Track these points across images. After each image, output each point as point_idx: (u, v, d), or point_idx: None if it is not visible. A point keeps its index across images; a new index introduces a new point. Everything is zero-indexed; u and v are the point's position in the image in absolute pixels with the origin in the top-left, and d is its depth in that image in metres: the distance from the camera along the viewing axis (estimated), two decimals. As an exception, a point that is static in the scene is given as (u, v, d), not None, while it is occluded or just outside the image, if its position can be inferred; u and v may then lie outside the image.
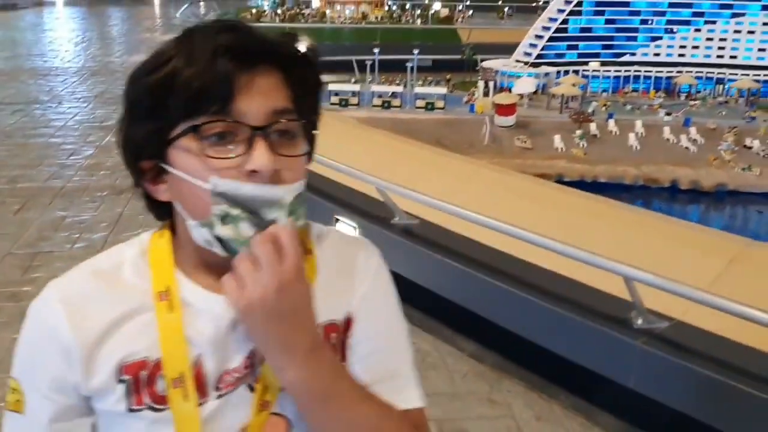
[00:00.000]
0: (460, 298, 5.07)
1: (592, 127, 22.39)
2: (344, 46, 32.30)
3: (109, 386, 1.01)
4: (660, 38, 29.45)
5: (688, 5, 29.32)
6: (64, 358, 1.01)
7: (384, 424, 1.06)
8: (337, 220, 5.92)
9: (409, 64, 24.00)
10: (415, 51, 24.78)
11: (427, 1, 43.83)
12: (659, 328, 4.08)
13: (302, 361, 0.98)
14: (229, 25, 0.99)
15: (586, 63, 28.13)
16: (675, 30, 29.41)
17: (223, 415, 1.02)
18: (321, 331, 1.08)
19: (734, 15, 29.35)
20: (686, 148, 21.80)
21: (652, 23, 29.39)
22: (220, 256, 1.00)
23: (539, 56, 27.66)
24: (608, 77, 28.46)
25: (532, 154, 20.89)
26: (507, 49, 28.31)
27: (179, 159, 0.98)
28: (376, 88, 23.57)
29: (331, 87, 22.89)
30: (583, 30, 28.72)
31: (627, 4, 29.27)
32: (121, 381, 1.01)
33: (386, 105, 22.73)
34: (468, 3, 44.60)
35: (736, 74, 28.38)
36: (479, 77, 26.33)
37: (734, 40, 29.47)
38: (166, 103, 0.96)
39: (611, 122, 22.81)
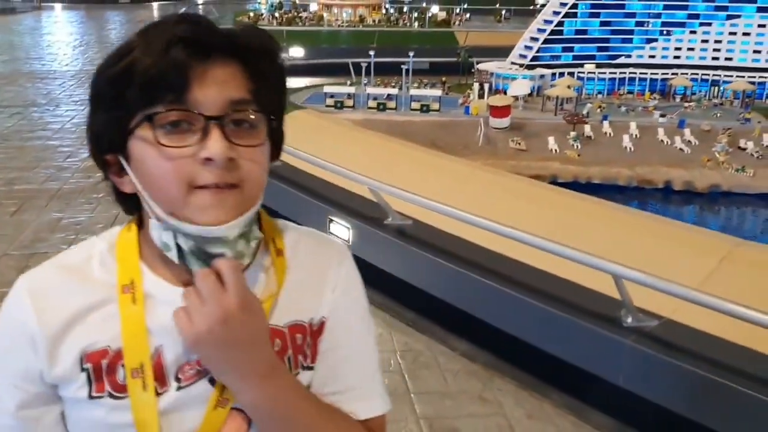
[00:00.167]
0: (452, 298, 5.10)
1: (587, 128, 22.44)
2: (342, 49, 32.32)
3: (72, 374, 1.05)
4: (655, 40, 29.52)
5: (684, 7, 29.40)
6: (30, 347, 1.05)
7: None
8: (331, 220, 5.96)
9: (404, 67, 24.00)
10: (411, 53, 24.78)
11: (424, 4, 43.83)
12: (649, 327, 4.12)
13: (258, 386, 1.02)
14: (187, 17, 1.00)
15: (581, 65, 28.16)
16: (670, 32, 29.47)
17: (182, 407, 1.05)
18: (285, 331, 1.11)
19: (729, 17, 29.41)
20: (680, 149, 21.85)
21: (647, 25, 29.45)
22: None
23: (534, 58, 27.70)
24: (603, 79, 28.51)
25: (526, 155, 20.91)
26: (504, 52, 28.36)
27: (138, 149, 1.00)
28: (372, 90, 23.57)
29: (327, 89, 22.90)
30: (578, 32, 28.78)
31: (622, 6, 29.33)
32: (83, 369, 1.04)
33: (381, 107, 22.75)
34: (465, 6, 44.59)
35: (732, 76, 28.42)
36: (474, 79, 26.34)
37: (729, 42, 29.52)
38: (125, 94, 0.98)
39: (606, 124, 22.85)
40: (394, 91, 23.75)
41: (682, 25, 29.53)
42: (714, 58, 29.32)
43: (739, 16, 29.13)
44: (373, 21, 40.57)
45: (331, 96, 22.70)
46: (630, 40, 29.34)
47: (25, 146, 11.13)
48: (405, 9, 43.19)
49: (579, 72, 27.72)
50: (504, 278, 4.78)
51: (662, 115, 24.02)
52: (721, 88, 28.35)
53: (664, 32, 29.34)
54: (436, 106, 23.12)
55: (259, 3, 42.20)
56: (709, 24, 29.44)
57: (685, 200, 20.44)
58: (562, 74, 26.93)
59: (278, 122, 1.10)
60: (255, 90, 1.03)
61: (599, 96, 27.69)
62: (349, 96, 23.05)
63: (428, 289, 5.28)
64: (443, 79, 27.05)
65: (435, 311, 5.24)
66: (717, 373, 3.69)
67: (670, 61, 29.22)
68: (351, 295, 1.20)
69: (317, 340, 1.14)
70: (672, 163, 21.21)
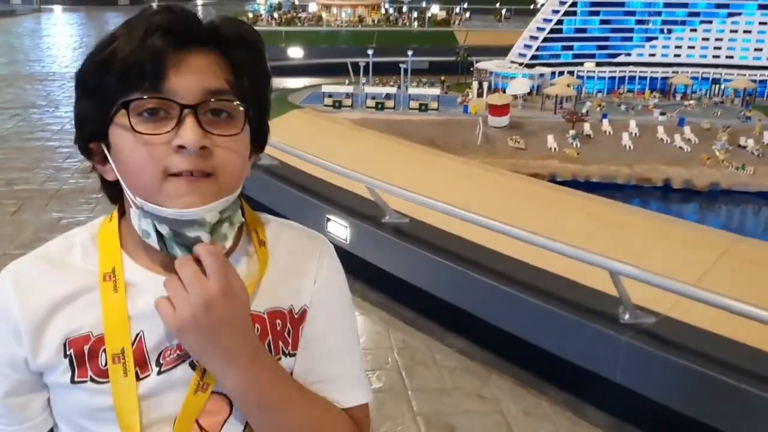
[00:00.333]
0: (450, 296, 5.11)
1: (586, 127, 22.39)
2: (341, 49, 32.29)
3: (55, 361, 1.06)
4: (655, 38, 29.47)
5: (684, 5, 29.37)
6: (14, 336, 1.07)
7: (325, 425, 1.13)
8: (329, 219, 5.96)
9: (403, 66, 23.99)
10: (410, 53, 24.76)
11: (424, 4, 43.79)
12: (646, 323, 4.13)
13: (241, 369, 1.03)
14: (168, 8, 1.01)
15: (581, 64, 28.13)
16: (670, 30, 29.47)
17: (163, 391, 1.06)
18: (265, 317, 1.12)
19: (730, 15, 29.37)
20: (680, 147, 21.80)
21: (647, 24, 29.45)
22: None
23: (534, 57, 27.67)
24: (603, 78, 28.47)
25: (525, 154, 20.88)
26: (504, 51, 28.29)
27: (116, 136, 1.01)
28: (370, 89, 23.53)
29: (325, 89, 22.87)
30: (577, 30, 28.75)
31: (622, 5, 29.28)
32: (66, 355, 1.06)
33: (380, 106, 22.71)
34: (465, 5, 44.56)
35: (732, 74, 28.37)
36: (473, 78, 26.34)
37: (730, 40, 29.47)
38: (106, 82, 1.00)
39: (605, 122, 22.80)
40: (393, 90, 23.71)
41: (682, 23, 29.50)
42: (715, 56, 29.28)
43: (740, 14, 29.12)
44: (373, 21, 40.53)
45: (330, 95, 22.67)
46: (630, 39, 29.30)
47: (24, 147, 11.17)
48: (404, 9, 43.11)
49: (578, 71, 27.69)
50: (501, 276, 4.78)
51: (662, 114, 23.98)
52: (722, 87, 28.31)
53: (665, 30, 29.31)
54: (434, 105, 23.08)
55: (258, 3, 42.16)
56: (710, 22, 29.41)
57: (685, 198, 20.41)
58: (561, 73, 26.89)
59: (259, 113, 1.10)
60: (234, 81, 1.03)
61: (599, 94, 27.66)
62: (348, 95, 23.01)
63: (426, 287, 5.29)
64: (442, 78, 27.03)
65: (433, 309, 5.26)
66: (714, 370, 3.69)
67: (671, 59, 29.18)
68: (333, 286, 1.21)
69: (299, 328, 1.16)
70: (671, 161, 21.17)
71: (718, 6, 29.33)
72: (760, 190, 20.68)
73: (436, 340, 5.00)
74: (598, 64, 28.38)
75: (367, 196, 5.83)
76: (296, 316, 1.16)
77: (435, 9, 42.45)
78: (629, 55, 29.09)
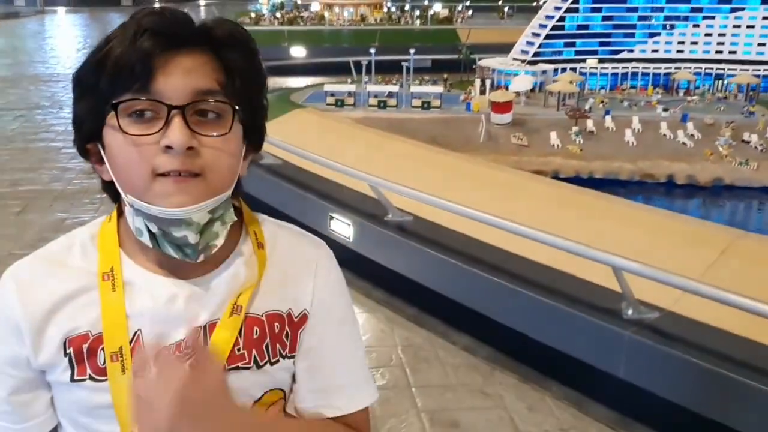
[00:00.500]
0: (452, 293, 5.13)
1: (589, 123, 22.35)
2: (343, 48, 32.26)
3: (55, 360, 1.09)
4: (658, 34, 29.39)
5: (686, 0, 29.31)
6: (16, 335, 1.09)
7: None
8: (332, 217, 5.98)
9: (405, 64, 23.97)
10: (412, 51, 24.74)
11: (426, 2, 43.74)
12: (649, 319, 4.14)
13: None
14: (158, 9, 1.03)
15: (583, 60, 28.06)
16: (673, 26, 29.39)
17: None
18: (263, 320, 1.13)
19: (733, 10, 29.26)
20: (683, 143, 21.74)
21: (649, 19, 29.37)
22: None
23: (536, 54, 27.62)
24: (606, 74, 28.40)
25: (528, 151, 20.85)
26: (507, 49, 28.23)
27: (109, 137, 1.03)
28: (372, 88, 23.50)
29: (327, 88, 22.86)
30: (580, 27, 28.67)
31: (624, 1, 29.20)
32: (66, 353, 1.08)
33: (382, 105, 22.70)
34: (468, 3, 44.50)
35: (736, 69, 28.28)
36: (476, 76, 26.32)
37: (733, 35, 29.36)
38: (100, 83, 1.02)
39: (608, 119, 22.75)
40: (395, 88, 23.69)
41: (685, 18, 29.40)
42: (718, 52, 29.18)
43: (743, 9, 29.00)
44: (375, 20, 40.49)
45: (332, 94, 22.66)
46: (632, 35, 29.22)
47: (29, 148, 11.22)
48: (407, 7, 43.07)
49: (581, 67, 27.64)
50: (505, 272, 4.80)
51: (665, 110, 23.91)
52: (725, 82, 28.23)
53: (667, 26, 29.24)
54: (437, 103, 23.05)
55: (261, 3, 42.16)
56: (713, 17, 29.30)
57: (688, 194, 20.36)
58: (564, 69, 26.82)
59: (253, 113, 1.11)
60: (225, 81, 1.04)
61: (602, 91, 27.58)
62: (350, 94, 22.99)
63: (429, 284, 5.31)
64: (445, 76, 27.01)
65: (436, 306, 5.27)
66: (717, 365, 3.70)
67: (673, 55, 29.10)
68: (335, 293, 1.23)
69: (297, 331, 1.17)
70: (675, 157, 21.11)
71: (721, 1, 29.24)
72: (764, 185, 20.62)
73: (439, 337, 5.01)
74: (601, 61, 28.31)
75: (370, 194, 5.85)
76: (295, 320, 1.17)
77: (437, 7, 42.40)
78: (632, 51, 29.02)
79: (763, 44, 28.94)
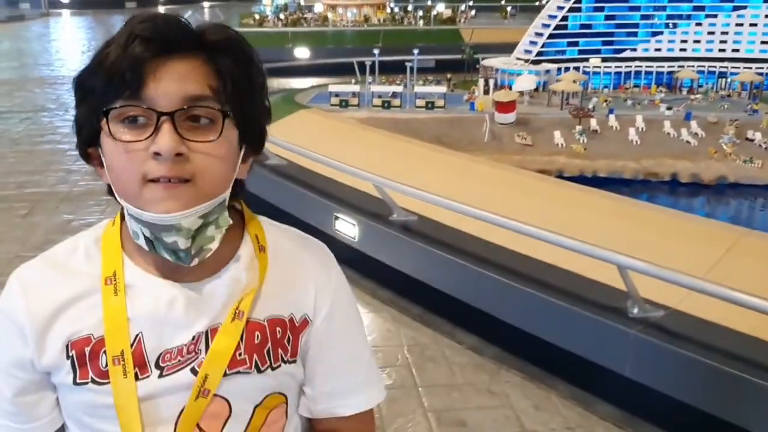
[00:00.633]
0: (458, 292, 5.14)
1: (593, 122, 22.31)
2: (347, 48, 32.25)
3: (59, 362, 1.10)
4: (661, 33, 29.33)
5: (689, -1, 29.28)
6: (20, 337, 1.11)
7: None
8: (337, 217, 6.00)
9: (409, 65, 23.95)
10: (415, 51, 24.73)
11: (429, 2, 43.72)
12: (655, 317, 4.15)
13: None
14: (149, 15, 1.04)
15: (586, 59, 28.02)
16: (676, 25, 29.34)
17: (164, 393, 1.09)
18: (265, 325, 1.14)
19: (736, 8, 29.17)
20: (687, 141, 21.68)
21: (652, 18, 29.32)
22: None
23: (540, 53, 27.58)
24: (609, 73, 28.35)
25: (532, 150, 20.82)
26: (510, 49, 28.17)
27: (104, 142, 1.05)
28: (376, 88, 23.50)
29: (331, 88, 22.85)
30: (583, 26, 28.61)
31: (627, 0, 29.19)
32: (68, 356, 1.10)
33: (386, 105, 22.69)
34: (471, 3, 44.45)
35: (739, 68, 28.18)
36: (479, 76, 26.28)
37: (736, 33, 29.27)
38: (96, 88, 1.03)
39: (612, 117, 22.71)
40: (399, 88, 23.66)
41: (687, 17, 29.33)
42: (721, 50, 29.11)
43: (745, 7, 28.92)
44: (378, 20, 40.47)
45: (336, 95, 22.65)
46: (635, 34, 29.15)
47: (35, 150, 11.24)
48: (410, 8, 43.03)
49: (584, 66, 27.59)
50: (510, 272, 4.81)
51: (668, 108, 23.85)
52: (729, 80, 28.15)
53: (670, 25, 29.18)
54: (441, 103, 23.03)
55: (264, 5, 42.16)
56: (715, 15, 29.23)
57: (693, 192, 20.30)
58: (567, 69, 26.77)
59: (250, 117, 1.10)
60: (218, 86, 1.04)
61: (605, 90, 27.51)
62: (354, 95, 22.99)
63: (435, 284, 5.32)
64: (448, 76, 26.99)
65: (442, 306, 5.28)
66: (723, 363, 3.71)
67: (676, 53, 29.03)
68: (342, 297, 1.24)
69: (299, 336, 1.18)
70: (678, 155, 21.05)
71: (723, -1, 29.18)
72: (768, 183, 20.56)
73: (445, 336, 5.02)
74: (604, 60, 28.26)
75: (375, 194, 5.86)
76: (297, 325, 1.18)
77: (440, 7, 42.36)
78: (635, 50, 28.96)
79: (766, 42, 28.86)
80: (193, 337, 1.10)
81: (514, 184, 6.99)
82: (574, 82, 25.06)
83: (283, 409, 1.19)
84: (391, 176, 5.69)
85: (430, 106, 22.91)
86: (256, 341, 1.12)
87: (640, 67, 28.47)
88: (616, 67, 28.33)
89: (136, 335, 1.09)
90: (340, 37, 37.13)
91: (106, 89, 1.01)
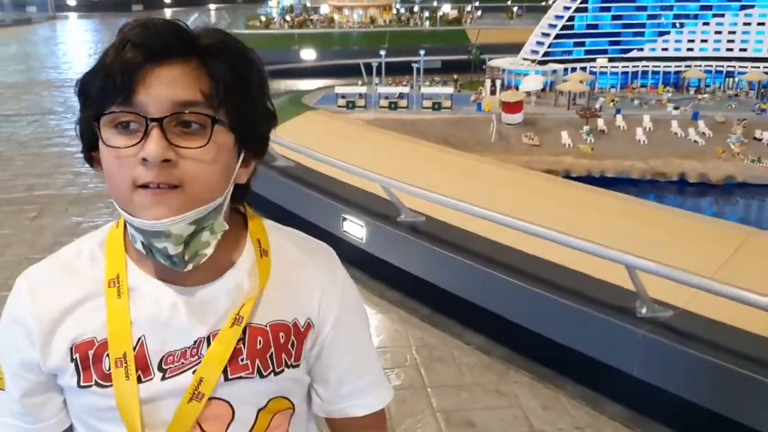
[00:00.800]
0: (466, 293, 5.14)
1: (600, 122, 22.27)
2: (353, 50, 32.29)
3: (63, 365, 1.11)
4: (668, 33, 29.27)
5: (696, -1, 29.19)
6: (27, 339, 1.13)
7: None
8: (345, 219, 6.01)
9: (415, 65, 23.96)
10: (422, 52, 24.74)
11: (435, 3, 43.72)
12: (663, 317, 4.14)
13: None
14: (142, 21, 1.04)
15: (593, 59, 27.98)
16: (683, 24, 29.26)
17: (166, 397, 1.09)
18: (268, 330, 1.14)
19: (743, 7, 29.07)
20: (695, 141, 21.62)
21: (659, 18, 29.25)
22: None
23: (546, 54, 27.57)
24: (616, 73, 28.30)
25: (539, 150, 20.79)
26: (517, 49, 28.17)
27: (100, 147, 1.05)
28: (383, 89, 23.51)
29: (338, 90, 22.88)
30: (589, 27, 28.58)
31: (633, 0, 29.13)
32: (72, 359, 1.11)
33: (393, 106, 22.70)
34: (477, 4, 44.44)
35: (746, 67, 28.09)
36: (486, 76, 26.28)
37: (743, 32, 29.18)
38: (93, 94, 1.04)
39: (619, 117, 22.67)
40: (406, 89, 23.68)
41: (694, 17, 29.26)
42: (728, 49, 29.02)
43: (752, 6, 28.83)
44: (384, 21, 40.51)
45: (343, 96, 22.68)
46: (642, 34, 29.10)
47: (43, 153, 11.30)
48: (416, 8, 43.05)
49: (591, 66, 27.56)
50: (518, 272, 4.81)
51: (676, 108, 23.80)
52: (736, 79, 28.06)
53: (677, 24, 29.11)
54: (447, 103, 23.02)
55: (270, 7, 42.26)
56: (722, 15, 29.15)
57: (700, 192, 20.24)
58: (574, 69, 26.75)
59: (244, 121, 1.08)
60: (210, 91, 1.03)
61: (612, 90, 27.48)
62: (361, 96, 23.01)
63: (442, 284, 5.32)
64: (455, 76, 26.99)
65: (450, 306, 5.28)
66: (732, 362, 3.70)
67: (684, 53, 28.97)
68: (350, 300, 1.25)
69: (303, 341, 1.18)
70: (686, 155, 20.99)
71: (731, -1, 29.08)
72: (777, 182, 20.47)
73: (453, 337, 5.03)
74: (611, 60, 28.22)
75: (382, 195, 5.87)
76: (301, 330, 1.18)
77: (446, 8, 42.37)
78: (641, 50, 28.90)
79: (774, 41, 28.75)
80: (195, 341, 1.10)
81: (521, 185, 6.98)
82: (581, 82, 25.03)
83: (288, 413, 1.19)
84: (399, 177, 5.70)
85: (436, 106, 22.92)
86: (258, 346, 1.12)
87: (647, 67, 28.41)
88: (623, 67, 28.29)
89: (139, 338, 1.09)
90: (347, 38, 37.18)
91: (100, 95, 1.02)
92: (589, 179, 18.13)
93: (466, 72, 28.56)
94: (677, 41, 29.13)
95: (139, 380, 1.08)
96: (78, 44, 36.01)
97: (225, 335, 1.10)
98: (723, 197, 20.26)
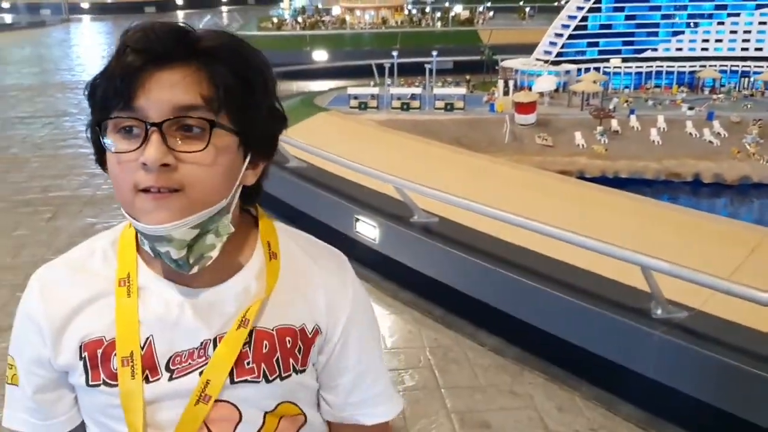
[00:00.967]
0: (480, 294, 5.13)
1: (614, 123, 22.13)
2: (365, 51, 32.30)
3: (73, 363, 1.12)
4: (682, 33, 29.06)
5: (710, -2, 28.96)
6: (39, 337, 1.14)
7: None
8: (358, 219, 6.01)
9: (428, 66, 23.92)
10: (434, 53, 24.70)
11: (447, 4, 43.68)
12: (679, 318, 4.12)
13: None
14: (143, 26, 1.04)
15: (607, 60, 27.83)
16: (697, 24, 29.06)
17: (172, 397, 1.10)
18: (274, 334, 1.14)
19: (759, 6, 28.80)
20: (710, 142, 21.43)
21: (673, 18, 29.06)
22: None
23: (559, 54, 27.43)
24: (630, 73, 28.15)
25: (553, 151, 20.69)
26: (529, 49, 28.04)
27: (107, 152, 1.06)
28: (395, 90, 23.47)
29: (350, 91, 22.86)
30: (603, 27, 28.42)
31: (647, 0, 28.97)
32: (81, 358, 1.12)
33: (405, 107, 22.67)
34: (489, 4, 44.35)
35: (762, 67, 27.84)
36: (499, 77, 26.20)
37: (759, 32, 28.92)
38: (98, 99, 1.05)
39: (633, 118, 22.52)
40: (418, 90, 23.61)
41: (709, 16, 29.03)
42: (743, 49, 28.76)
43: (768, 5, 28.61)
44: (396, 22, 40.49)
45: (355, 97, 22.66)
46: (656, 34, 28.88)
47: (58, 154, 11.37)
48: (427, 9, 43.00)
49: (605, 67, 27.40)
50: (532, 273, 4.80)
51: (690, 108, 23.62)
52: (752, 79, 27.81)
53: (691, 24, 28.89)
54: (460, 104, 22.95)
55: (282, 8, 42.35)
56: (738, 14, 28.91)
57: (715, 193, 20.06)
58: (587, 69, 26.60)
59: (248, 123, 1.07)
60: (210, 94, 1.02)
61: (626, 90, 27.29)
62: (373, 97, 22.97)
63: (456, 285, 5.32)
64: (467, 77, 26.92)
65: (463, 307, 5.27)
66: (748, 363, 3.68)
67: (698, 53, 28.75)
68: (360, 307, 1.24)
69: (311, 346, 1.17)
70: (701, 155, 20.80)
71: (746, -3, 28.84)
72: (793, 183, 20.27)
73: (467, 337, 5.02)
74: (624, 60, 28.07)
75: (395, 196, 5.87)
76: (309, 335, 1.17)
77: (458, 8, 42.31)
78: (655, 50, 28.73)
79: (791, 41, 28.49)
80: (201, 343, 1.11)
81: (535, 185, 6.97)
82: (595, 82, 24.91)
83: (297, 421, 1.19)
84: (412, 178, 5.69)
85: (449, 107, 22.86)
86: (264, 350, 1.12)
87: (661, 67, 28.22)
88: (636, 67, 28.11)
89: (147, 338, 1.10)
90: (358, 39, 37.18)
91: (102, 100, 1.03)
92: (603, 180, 18.02)
93: (479, 73, 28.46)
94: (692, 41, 28.93)
95: (147, 380, 1.09)
96: (91, 47, 36.18)
97: (231, 337, 1.10)
98: (738, 198, 20.08)
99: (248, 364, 1.11)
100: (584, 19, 27.91)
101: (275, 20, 39.69)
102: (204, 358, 1.10)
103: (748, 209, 19.56)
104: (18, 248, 6.91)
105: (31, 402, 1.17)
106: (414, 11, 42.79)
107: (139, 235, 1.10)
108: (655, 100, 25.29)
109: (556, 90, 25.47)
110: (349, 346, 1.21)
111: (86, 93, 1.07)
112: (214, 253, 1.07)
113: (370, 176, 6.10)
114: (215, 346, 1.10)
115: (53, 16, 49.76)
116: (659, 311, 4.14)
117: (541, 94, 23.88)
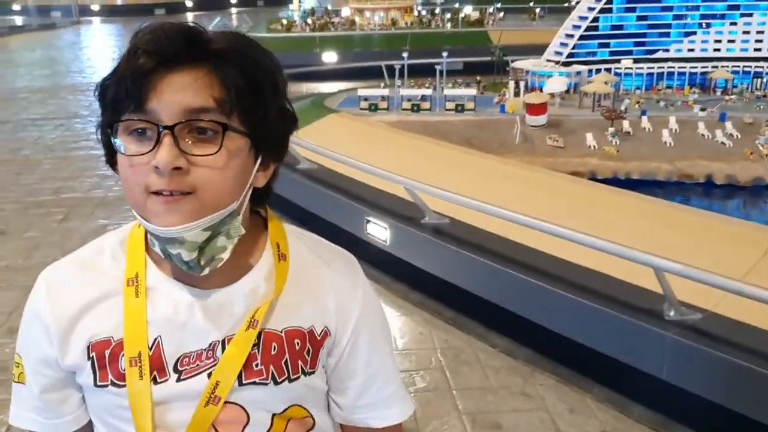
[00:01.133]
0: (491, 295, 5.12)
1: (625, 124, 22.05)
2: (375, 52, 32.30)
3: (81, 363, 1.12)
4: (694, 33, 28.92)
5: (723, -2, 28.81)
6: (46, 336, 1.14)
7: None
8: (368, 221, 6.01)
9: (438, 67, 23.90)
10: (444, 54, 24.67)
11: (457, 5, 43.66)
12: (691, 320, 4.10)
13: None
14: (153, 27, 1.03)
15: (618, 60, 27.73)
16: (709, 24, 28.90)
17: (180, 398, 1.09)
18: (282, 336, 1.13)
19: (772, 6, 28.71)
20: (722, 143, 21.31)
21: (685, 18, 28.92)
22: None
23: (570, 55, 27.36)
24: (641, 74, 28.02)
25: (564, 152, 20.62)
26: (540, 50, 27.98)
27: (117, 155, 1.05)
28: (405, 91, 23.47)
29: (360, 92, 22.87)
30: (614, 27, 28.31)
31: (659, 0, 28.85)
32: (89, 358, 1.11)
33: (416, 108, 22.66)
34: (499, 5, 44.29)
35: (775, 68, 27.70)
36: (509, 78, 26.16)
37: (772, 33, 28.81)
38: (108, 101, 1.05)
39: (644, 119, 22.42)
40: (428, 91, 23.60)
41: (721, 17, 28.88)
42: (756, 50, 28.60)
43: (781, 5, 28.43)
44: (406, 23, 40.49)
45: (365, 99, 22.66)
46: (668, 34, 28.75)
47: (69, 156, 11.42)
48: (437, 10, 42.99)
49: (616, 68, 27.30)
50: (543, 274, 4.78)
51: (702, 109, 23.50)
52: (764, 80, 27.65)
53: (703, 25, 28.75)
54: (471, 105, 22.92)
55: (292, 10, 42.44)
56: (750, 15, 28.74)
57: (728, 194, 19.93)
58: (598, 70, 26.52)
59: (259, 125, 1.06)
60: (222, 96, 1.02)
61: (637, 91, 27.18)
62: (383, 98, 22.97)
63: (467, 286, 5.31)
64: (478, 78, 26.88)
65: (474, 308, 5.26)
66: (762, 365, 3.65)
67: (710, 54, 28.59)
68: (370, 309, 1.23)
69: (319, 348, 1.17)
70: (713, 156, 20.68)
71: (759, -2, 28.67)
72: (805, 184, 20.12)
73: (478, 339, 5.01)
74: (636, 61, 27.96)
75: (406, 198, 5.87)
76: (317, 337, 1.16)
77: (468, 9, 42.26)
78: (667, 50, 28.60)
79: (804, 41, 28.31)
80: (210, 344, 1.10)
81: (546, 187, 6.95)
82: (606, 83, 24.82)
83: (304, 422, 1.19)
84: (422, 179, 5.69)
85: (459, 108, 22.83)
86: (272, 352, 1.12)
87: (673, 67, 28.09)
88: (648, 68, 27.99)
89: (155, 339, 1.10)
90: (368, 40, 37.18)
91: (113, 102, 1.02)
92: (614, 181, 17.97)
93: (489, 74, 28.42)
94: (704, 42, 28.78)
95: (155, 381, 1.08)
96: (102, 48, 36.37)
97: (240, 338, 1.10)
98: (751, 199, 19.95)
99: (257, 366, 1.11)
100: (595, 19, 27.82)
101: (285, 22, 39.76)
102: (212, 359, 1.09)
103: (761, 211, 19.43)
104: (30, 250, 6.95)
105: (37, 401, 1.17)
106: (424, 12, 42.78)
107: (149, 236, 1.10)
108: (666, 101, 25.17)
109: (567, 91, 25.40)
110: (358, 349, 1.20)
111: (96, 94, 1.07)
112: (225, 255, 1.06)
113: (380, 177, 6.10)
114: (224, 347, 1.10)
115: (63, 18, 50.06)
116: (672, 313, 4.12)
117: (552, 95, 23.82)
